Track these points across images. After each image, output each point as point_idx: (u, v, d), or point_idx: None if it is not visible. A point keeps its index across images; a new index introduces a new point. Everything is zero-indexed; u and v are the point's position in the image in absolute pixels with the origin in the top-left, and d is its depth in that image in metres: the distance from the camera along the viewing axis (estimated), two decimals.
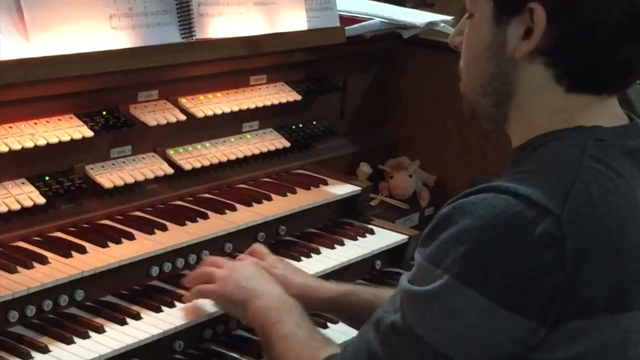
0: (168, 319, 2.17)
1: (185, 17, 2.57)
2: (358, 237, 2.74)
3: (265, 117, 2.87)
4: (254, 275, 2.12)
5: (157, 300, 2.22)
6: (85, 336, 2.05)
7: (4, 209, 2.19)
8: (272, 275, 2.21)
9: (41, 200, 2.26)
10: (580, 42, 1.55)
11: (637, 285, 1.53)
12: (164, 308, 2.20)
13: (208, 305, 2.22)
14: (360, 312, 2.08)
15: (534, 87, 1.60)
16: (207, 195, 2.65)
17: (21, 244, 2.24)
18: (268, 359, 1.98)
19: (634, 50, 1.56)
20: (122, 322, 2.13)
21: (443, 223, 1.55)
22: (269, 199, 2.67)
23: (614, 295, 1.51)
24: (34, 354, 1.99)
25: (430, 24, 3.24)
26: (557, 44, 1.56)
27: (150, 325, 2.14)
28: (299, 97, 2.91)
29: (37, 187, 2.28)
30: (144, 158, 2.54)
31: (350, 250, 2.66)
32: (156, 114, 2.53)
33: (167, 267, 2.34)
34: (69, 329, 2.07)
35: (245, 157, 2.77)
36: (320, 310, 2.25)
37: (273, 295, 2.03)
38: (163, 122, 2.52)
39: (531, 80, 1.60)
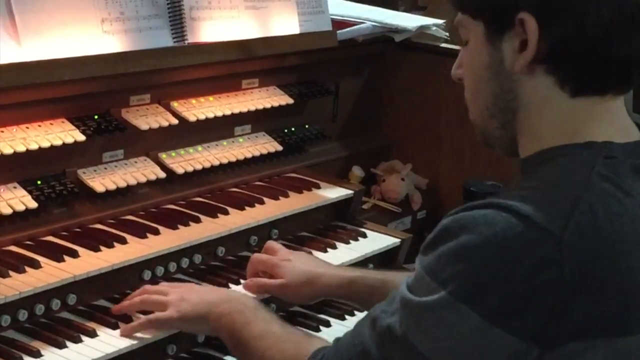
0: None
1: (177, 21, 2.58)
2: (350, 241, 2.74)
3: (257, 120, 2.87)
4: (203, 291, 2.13)
5: None
6: (78, 340, 2.05)
7: None
8: (281, 266, 2.27)
9: (33, 204, 2.25)
10: (575, 43, 1.53)
11: (638, 309, 1.50)
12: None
13: None
14: (368, 297, 2.12)
15: (539, 98, 1.58)
16: (199, 199, 2.65)
17: (13, 248, 2.24)
18: None
19: (630, 45, 1.55)
20: (115, 326, 2.12)
21: (443, 235, 1.53)
22: (262, 202, 2.68)
23: (613, 319, 1.49)
24: (26, 358, 1.98)
25: (422, 28, 3.25)
26: (554, 49, 1.54)
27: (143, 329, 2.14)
28: (291, 101, 2.91)
29: (29, 192, 2.27)
30: (136, 162, 2.54)
31: (343, 254, 2.66)
32: (148, 118, 2.53)
33: (160, 271, 2.34)
34: (62, 333, 2.07)
35: (238, 161, 2.77)
36: (329, 296, 2.30)
37: (232, 300, 2.04)
38: (155, 126, 2.52)
39: (535, 91, 1.58)
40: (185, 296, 2.10)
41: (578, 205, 1.48)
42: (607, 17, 1.52)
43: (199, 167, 2.65)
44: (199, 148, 2.71)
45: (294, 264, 2.27)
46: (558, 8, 1.53)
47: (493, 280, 1.47)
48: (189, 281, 2.34)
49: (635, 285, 1.50)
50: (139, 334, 2.11)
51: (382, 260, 2.78)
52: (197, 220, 2.50)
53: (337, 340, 1.72)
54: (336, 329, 2.41)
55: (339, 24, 3.09)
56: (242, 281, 2.40)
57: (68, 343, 2.04)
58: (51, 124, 2.34)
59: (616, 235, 1.49)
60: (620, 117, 1.62)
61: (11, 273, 2.10)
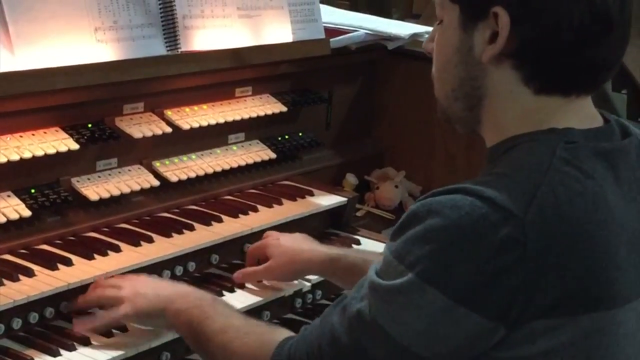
0: (155, 331, 2.16)
1: (170, 29, 2.58)
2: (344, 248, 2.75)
3: (251, 128, 2.88)
4: (159, 285, 2.13)
5: None
6: (72, 348, 2.05)
7: None
8: (269, 245, 2.34)
9: (27, 213, 2.26)
10: (545, 43, 1.57)
11: (603, 286, 1.55)
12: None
13: None
14: (349, 275, 2.17)
15: (504, 91, 1.63)
16: (193, 206, 2.66)
17: (7, 256, 2.24)
18: (205, 359, 1.98)
19: (599, 51, 1.59)
20: (109, 334, 2.13)
21: (411, 220, 1.57)
22: (255, 210, 2.68)
23: (576, 297, 1.53)
24: None
25: (415, 35, 3.25)
26: (523, 46, 1.58)
27: (137, 336, 2.14)
28: (284, 109, 2.92)
29: (23, 200, 2.28)
30: (129, 170, 2.54)
31: None
32: (142, 126, 2.54)
33: None
34: (55, 341, 2.07)
35: (231, 169, 2.78)
36: (311, 273, 2.38)
37: (188, 295, 2.04)
38: (149, 134, 2.53)
39: (500, 83, 1.63)
40: (140, 290, 2.09)
41: (540, 187, 1.52)
42: (578, 22, 1.56)
43: (192, 175, 2.65)
44: (193, 156, 2.71)
45: (281, 242, 2.35)
46: (533, 9, 1.57)
47: (458, 261, 1.51)
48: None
49: (597, 263, 1.54)
50: (134, 341, 2.11)
51: None
52: (191, 228, 2.50)
53: (305, 329, 1.74)
54: None
55: (331, 32, 3.10)
56: (236, 289, 2.41)
57: (62, 351, 2.04)
58: (45, 132, 2.34)
59: (578, 216, 1.53)
60: (584, 108, 1.66)
61: (5, 282, 2.11)
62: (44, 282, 2.14)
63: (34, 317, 2.10)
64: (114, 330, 2.14)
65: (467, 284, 1.51)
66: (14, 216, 2.24)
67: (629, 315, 1.59)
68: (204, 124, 2.67)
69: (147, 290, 2.10)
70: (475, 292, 1.51)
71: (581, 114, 1.65)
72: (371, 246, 2.80)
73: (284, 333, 1.81)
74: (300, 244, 2.35)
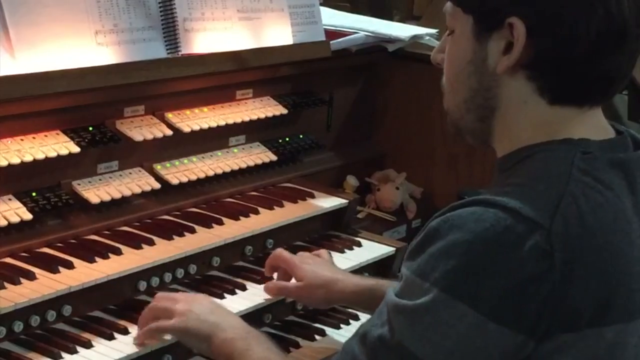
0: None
1: (170, 32, 2.59)
2: (345, 250, 2.75)
3: (251, 131, 2.88)
4: (213, 309, 2.09)
5: None
6: (73, 351, 2.06)
7: None
8: (300, 268, 2.28)
9: (28, 216, 2.26)
10: (561, 55, 1.56)
11: (623, 297, 1.53)
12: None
13: None
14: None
15: (517, 101, 1.61)
16: (194, 209, 2.66)
17: (8, 259, 2.24)
18: None
19: (613, 62, 1.58)
20: (110, 337, 2.13)
21: (431, 237, 1.54)
22: (257, 212, 2.68)
23: (600, 308, 1.51)
24: None
25: (415, 37, 3.26)
26: (538, 57, 1.57)
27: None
28: (285, 111, 2.92)
29: (24, 203, 2.28)
30: (130, 173, 2.54)
31: (338, 263, 2.63)
32: (142, 129, 2.54)
33: (155, 281, 2.34)
34: (57, 344, 2.07)
35: (232, 171, 2.78)
36: (344, 302, 2.36)
37: (237, 327, 2.02)
38: (149, 137, 2.53)
39: (514, 94, 1.61)
40: (194, 309, 2.06)
41: (563, 197, 1.51)
42: (594, 33, 1.54)
43: (193, 177, 2.66)
44: (194, 159, 2.71)
45: (313, 267, 2.30)
46: (549, 19, 1.55)
47: (486, 274, 1.48)
48: (185, 292, 2.34)
49: (620, 274, 1.53)
50: (134, 346, 2.12)
51: (377, 269, 2.79)
52: (192, 231, 2.50)
53: None
54: (331, 338, 2.42)
55: (332, 34, 3.10)
56: (237, 291, 2.41)
57: (63, 354, 2.05)
58: (46, 135, 2.34)
59: (599, 226, 1.52)
60: (597, 119, 1.65)
61: (6, 284, 2.11)
62: (45, 285, 2.14)
63: (35, 320, 2.10)
64: (115, 334, 2.14)
65: (497, 298, 1.48)
66: (15, 219, 2.24)
67: None
68: (205, 126, 2.67)
69: (201, 311, 2.06)
70: (506, 306, 1.48)
71: (594, 124, 1.64)
72: (372, 248, 2.80)
73: None
74: (334, 272, 2.31)
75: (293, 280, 2.33)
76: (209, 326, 2.03)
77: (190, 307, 2.07)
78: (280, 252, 2.38)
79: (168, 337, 2.14)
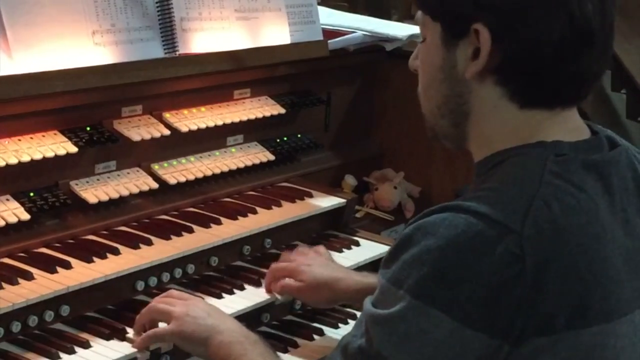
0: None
1: (168, 32, 2.59)
2: (343, 249, 2.75)
3: (249, 130, 2.88)
4: (210, 312, 2.09)
5: None
6: (71, 351, 2.06)
7: None
8: (301, 271, 2.28)
9: (26, 216, 2.26)
10: (526, 59, 1.57)
11: (599, 299, 1.54)
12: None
13: None
14: None
15: (488, 107, 1.62)
16: (192, 209, 2.66)
17: (6, 260, 2.24)
18: None
19: (581, 63, 1.58)
20: (108, 337, 2.13)
21: (404, 244, 1.55)
22: (254, 212, 2.68)
23: (575, 310, 1.52)
24: None
25: (413, 37, 3.25)
26: (504, 62, 1.58)
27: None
28: (283, 111, 2.92)
29: (22, 203, 2.28)
30: (128, 173, 2.54)
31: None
32: (140, 129, 2.54)
33: (153, 281, 2.34)
34: (55, 344, 2.07)
35: (230, 171, 2.78)
36: (347, 301, 2.35)
37: (234, 331, 2.02)
38: (147, 137, 2.53)
39: (484, 99, 1.62)
40: (191, 312, 2.06)
41: (534, 201, 1.51)
42: (558, 36, 1.55)
43: (191, 177, 2.66)
44: (192, 158, 2.71)
45: (314, 268, 2.31)
46: (512, 25, 1.56)
47: (459, 280, 1.49)
48: (182, 292, 2.34)
49: (594, 277, 1.53)
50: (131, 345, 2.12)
51: (375, 268, 2.76)
52: (190, 231, 2.50)
53: None
54: (329, 338, 2.42)
55: (330, 33, 3.10)
56: (235, 291, 2.41)
57: (61, 354, 2.05)
58: (43, 136, 2.34)
59: (572, 229, 1.52)
60: (570, 120, 1.66)
61: (4, 285, 2.11)
62: (43, 285, 2.14)
63: (33, 321, 2.10)
64: (113, 333, 2.14)
65: (470, 304, 1.49)
66: (13, 220, 2.24)
67: (626, 328, 1.58)
68: (203, 126, 2.67)
69: (198, 314, 2.06)
70: (480, 311, 1.49)
71: (568, 126, 1.64)
72: (371, 247, 2.80)
73: None
74: (335, 270, 2.32)
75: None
76: (205, 329, 2.02)
77: (187, 310, 2.07)
78: (276, 265, 2.38)
79: (164, 345, 2.14)
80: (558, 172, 1.55)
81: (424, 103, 1.73)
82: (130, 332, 2.16)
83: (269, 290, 2.40)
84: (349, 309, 2.52)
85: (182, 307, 2.08)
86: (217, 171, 2.73)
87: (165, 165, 2.64)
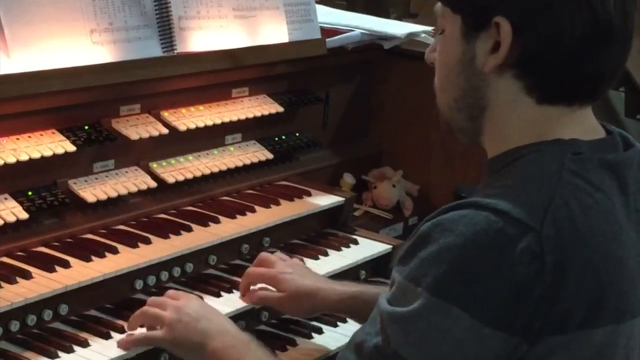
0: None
1: (166, 31, 2.58)
2: (342, 248, 2.75)
3: (247, 129, 2.88)
4: (202, 314, 2.06)
5: None
6: (70, 350, 2.06)
7: None
8: (281, 280, 2.24)
9: (24, 215, 2.26)
10: (547, 53, 1.56)
11: (614, 299, 1.54)
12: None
13: None
14: (366, 313, 2.08)
15: (506, 101, 1.62)
16: (190, 208, 2.65)
17: (4, 259, 2.24)
18: None
19: (602, 60, 1.58)
20: (107, 336, 2.13)
21: (422, 241, 1.54)
22: (253, 210, 2.68)
23: (591, 309, 1.51)
24: None
25: (411, 35, 3.26)
26: (525, 56, 1.57)
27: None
28: (281, 109, 2.92)
29: (20, 203, 2.28)
30: (127, 172, 2.54)
31: (334, 261, 2.67)
32: (138, 127, 2.53)
33: (152, 280, 2.34)
34: (54, 343, 2.07)
35: (229, 170, 2.78)
36: (328, 311, 2.32)
37: (227, 334, 2.00)
38: (145, 135, 2.53)
39: (502, 93, 1.61)
40: (182, 317, 2.04)
41: (553, 199, 1.51)
42: (580, 31, 1.55)
43: (190, 176, 2.65)
44: (190, 157, 2.71)
45: (294, 277, 2.27)
46: (534, 19, 1.56)
47: (479, 278, 1.48)
48: (181, 290, 2.34)
49: (610, 276, 1.53)
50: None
51: (374, 266, 2.79)
52: (189, 229, 2.50)
53: None
54: (328, 336, 2.42)
55: (328, 32, 3.10)
56: (234, 290, 2.41)
57: (60, 353, 2.04)
58: (41, 134, 2.34)
59: (590, 228, 1.52)
60: (587, 119, 1.65)
61: (2, 284, 2.11)
62: (41, 284, 2.14)
63: (31, 320, 2.10)
64: (112, 332, 2.14)
65: (490, 302, 1.48)
66: (11, 218, 2.24)
67: (638, 329, 1.59)
68: (201, 125, 2.67)
69: (190, 320, 2.04)
70: (499, 310, 1.48)
71: (584, 124, 1.64)
72: (369, 246, 2.80)
73: None
74: (316, 281, 2.28)
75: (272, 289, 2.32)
76: (197, 335, 2.01)
77: (179, 316, 2.04)
78: (254, 270, 2.34)
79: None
80: (576, 171, 1.55)
81: (440, 96, 1.71)
82: (128, 332, 2.15)
83: (244, 295, 2.35)
84: None
85: (173, 312, 2.06)
86: (216, 170, 2.73)
87: (164, 164, 2.64)
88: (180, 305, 2.09)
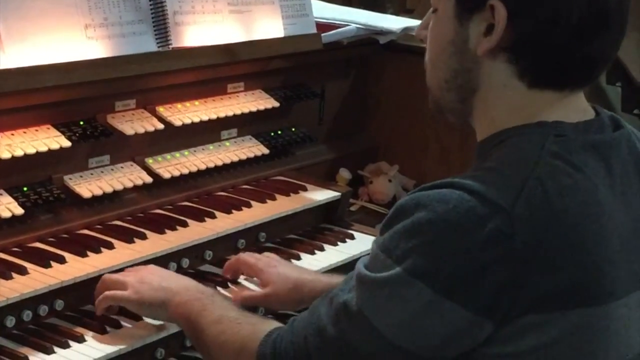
0: (149, 327, 2.17)
1: (161, 26, 2.58)
2: (338, 243, 2.75)
3: (243, 124, 2.88)
4: (164, 276, 2.14)
5: None
6: (66, 346, 2.05)
7: None
8: (267, 273, 2.26)
9: (20, 211, 2.25)
10: (542, 38, 1.56)
11: (592, 281, 1.54)
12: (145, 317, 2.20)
13: None
14: None
15: (497, 84, 1.62)
16: (186, 203, 2.65)
17: (0, 255, 2.23)
18: (200, 350, 1.98)
19: (596, 46, 1.58)
20: (103, 331, 2.12)
21: (399, 214, 1.57)
22: (249, 205, 2.68)
23: (567, 292, 1.52)
24: None
25: (407, 29, 3.25)
26: (518, 40, 1.57)
27: (132, 333, 2.14)
28: (277, 104, 2.91)
29: (16, 198, 2.27)
30: (122, 167, 2.54)
31: (331, 256, 2.67)
32: (134, 123, 2.53)
33: None
34: (49, 339, 2.06)
35: (224, 165, 2.78)
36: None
37: (190, 289, 2.05)
38: (141, 131, 2.52)
39: (493, 77, 1.62)
40: (145, 279, 2.11)
41: (528, 181, 1.52)
42: (576, 17, 1.55)
43: (185, 171, 2.65)
44: (186, 152, 2.71)
45: (279, 270, 2.28)
46: (530, 3, 1.56)
47: (445, 254, 1.51)
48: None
49: (588, 257, 1.53)
50: (128, 338, 2.11)
51: None
52: (185, 225, 2.50)
53: (293, 320, 1.74)
54: None
55: (323, 26, 3.09)
56: (230, 285, 2.41)
57: (56, 348, 2.04)
58: (36, 130, 2.34)
59: (567, 209, 1.52)
60: (577, 102, 1.65)
61: None
62: (37, 279, 2.14)
63: (27, 315, 2.10)
64: (107, 327, 2.14)
65: (453, 278, 1.50)
66: (7, 214, 2.23)
67: (620, 312, 1.58)
68: (196, 120, 2.66)
69: (153, 279, 2.10)
70: (462, 286, 1.50)
71: (572, 107, 1.64)
72: (365, 241, 2.80)
73: (275, 324, 1.82)
74: (301, 273, 2.30)
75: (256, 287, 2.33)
76: (162, 293, 2.05)
77: (142, 277, 2.11)
78: (243, 257, 2.37)
79: (158, 323, 2.15)
80: (557, 152, 1.55)
81: (430, 74, 1.71)
82: (125, 326, 2.15)
83: (226, 273, 2.40)
84: None
85: (135, 276, 2.12)
86: (212, 165, 2.73)
87: (159, 159, 2.64)
88: (142, 271, 2.16)
